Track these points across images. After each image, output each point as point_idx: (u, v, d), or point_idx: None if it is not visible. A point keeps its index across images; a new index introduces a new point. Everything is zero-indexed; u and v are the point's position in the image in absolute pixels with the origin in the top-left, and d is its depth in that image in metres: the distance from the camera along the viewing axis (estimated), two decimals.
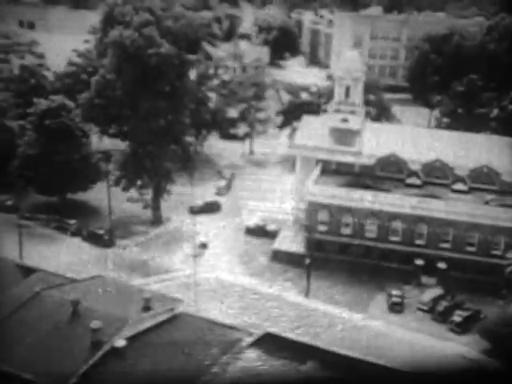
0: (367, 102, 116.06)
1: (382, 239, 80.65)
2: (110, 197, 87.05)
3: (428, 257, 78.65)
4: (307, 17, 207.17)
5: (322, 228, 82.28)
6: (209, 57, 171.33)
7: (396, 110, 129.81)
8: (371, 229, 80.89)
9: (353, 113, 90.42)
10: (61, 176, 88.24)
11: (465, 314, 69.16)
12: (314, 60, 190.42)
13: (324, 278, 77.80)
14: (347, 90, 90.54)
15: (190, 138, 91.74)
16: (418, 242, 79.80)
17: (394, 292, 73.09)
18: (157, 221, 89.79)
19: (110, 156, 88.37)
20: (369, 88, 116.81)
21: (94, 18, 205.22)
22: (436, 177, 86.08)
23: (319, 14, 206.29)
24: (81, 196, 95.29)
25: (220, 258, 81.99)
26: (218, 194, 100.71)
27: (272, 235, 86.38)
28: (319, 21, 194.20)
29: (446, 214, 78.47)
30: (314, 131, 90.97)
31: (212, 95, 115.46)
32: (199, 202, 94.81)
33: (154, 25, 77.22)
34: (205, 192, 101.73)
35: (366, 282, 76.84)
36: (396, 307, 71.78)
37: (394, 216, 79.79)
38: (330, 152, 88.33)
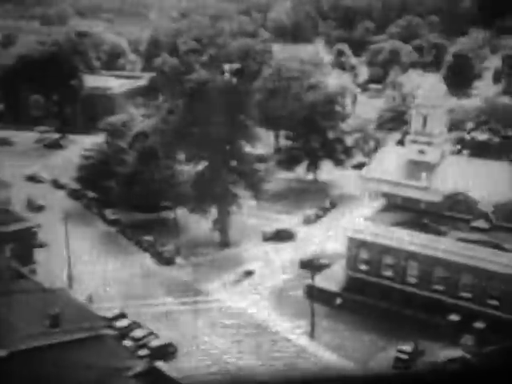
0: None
1: (424, 287, 69.58)
2: (176, 218, 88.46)
3: (472, 313, 65.85)
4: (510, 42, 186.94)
5: (363, 267, 73.87)
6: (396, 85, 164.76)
7: None
8: (413, 273, 70.40)
9: (429, 144, 79.89)
10: (145, 195, 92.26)
11: None
12: (509, 89, 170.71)
13: (347, 321, 69.65)
14: (425, 119, 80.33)
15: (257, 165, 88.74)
16: (463, 294, 67.31)
17: (404, 347, 62.37)
18: (224, 244, 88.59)
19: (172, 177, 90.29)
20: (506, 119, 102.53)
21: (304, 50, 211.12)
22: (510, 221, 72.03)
23: None
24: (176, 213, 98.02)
25: (257, 288, 78.10)
26: (305, 222, 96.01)
27: (322, 270, 79.76)
28: None
29: (496, 265, 64.99)
30: (385, 163, 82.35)
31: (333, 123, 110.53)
32: (271, 229, 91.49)
33: (199, 53, 77.39)
34: (298, 219, 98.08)
35: (392, 333, 66.58)
36: (399, 364, 61.13)
37: (436, 261, 68.37)
38: (395, 186, 79.16)
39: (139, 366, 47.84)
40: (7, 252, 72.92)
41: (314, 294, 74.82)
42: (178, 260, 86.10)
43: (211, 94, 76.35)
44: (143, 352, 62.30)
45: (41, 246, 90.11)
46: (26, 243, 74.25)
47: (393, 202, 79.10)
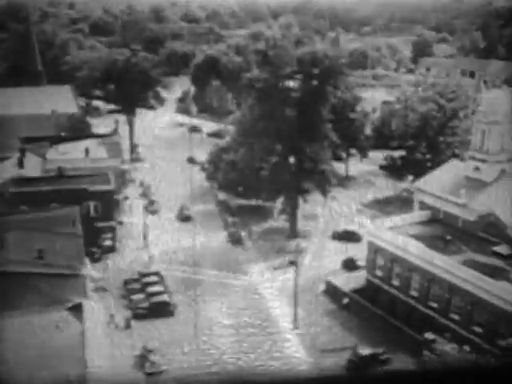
0: None
1: (421, 302, 64.95)
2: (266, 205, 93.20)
3: (458, 336, 59.95)
4: None
5: (379, 273, 70.99)
6: None
7: None
8: (415, 287, 66.00)
9: (484, 161, 72.98)
10: (240, 182, 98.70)
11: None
12: None
13: (341, 321, 68.71)
14: (483, 135, 73.44)
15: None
16: (453, 316, 61.46)
17: (359, 351, 59.75)
18: (291, 235, 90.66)
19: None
20: None
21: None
22: None
23: None
24: None
25: (289, 277, 79.37)
26: None
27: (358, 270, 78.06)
28: None
29: (482, 292, 58.30)
30: (439, 176, 77.23)
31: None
32: (340, 229, 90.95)
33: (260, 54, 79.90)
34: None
35: (375, 340, 63.76)
36: (351, 366, 58.95)
37: (432, 278, 63.35)
38: (438, 199, 74.07)
39: (73, 302, 55.17)
40: (91, 208, 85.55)
41: (330, 291, 74.59)
42: (247, 242, 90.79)
43: (266, 92, 79.29)
44: (144, 304, 69.52)
45: (154, 212, 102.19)
46: (106, 203, 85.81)
47: (435, 216, 74.20)
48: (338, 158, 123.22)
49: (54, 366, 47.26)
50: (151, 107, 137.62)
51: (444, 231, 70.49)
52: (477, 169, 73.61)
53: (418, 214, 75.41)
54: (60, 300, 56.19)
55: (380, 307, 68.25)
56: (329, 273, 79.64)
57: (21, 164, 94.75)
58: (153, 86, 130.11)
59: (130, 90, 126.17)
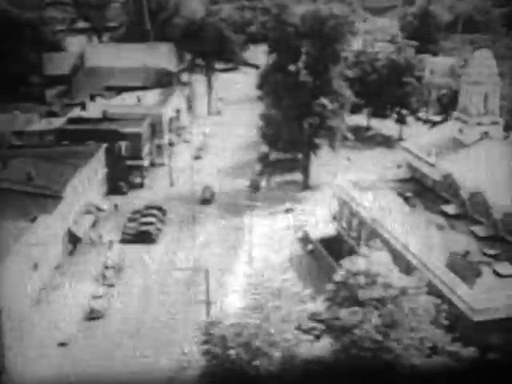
0: None
1: None
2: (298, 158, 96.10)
3: None
4: None
5: (344, 224, 71.34)
6: None
7: None
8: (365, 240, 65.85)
9: (465, 123, 69.32)
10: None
11: None
12: None
13: (297, 264, 70.38)
14: (467, 96, 69.53)
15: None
16: None
17: None
18: (304, 186, 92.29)
19: None
20: None
21: None
22: (478, 212, 60.32)
23: None
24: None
25: (280, 221, 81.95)
26: None
27: None
28: None
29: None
30: (426, 136, 74.76)
31: None
32: None
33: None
34: None
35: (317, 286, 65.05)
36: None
37: (373, 233, 62.89)
38: (415, 158, 72.05)
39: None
40: (122, 147, 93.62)
41: (304, 239, 76.43)
42: (263, 189, 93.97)
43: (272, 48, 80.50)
44: (131, 231, 76.69)
45: (197, 158, 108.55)
46: (136, 143, 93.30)
47: (414, 174, 72.42)
48: (399, 121, 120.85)
49: None
50: (255, 66, 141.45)
51: (413, 189, 68.98)
52: (460, 130, 70.13)
53: (399, 172, 74.19)
54: (32, 214, 64.74)
55: (339, 256, 69.03)
56: (317, 221, 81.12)
57: (83, 107, 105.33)
58: (228, 45, 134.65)
59: (207, 48, 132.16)
